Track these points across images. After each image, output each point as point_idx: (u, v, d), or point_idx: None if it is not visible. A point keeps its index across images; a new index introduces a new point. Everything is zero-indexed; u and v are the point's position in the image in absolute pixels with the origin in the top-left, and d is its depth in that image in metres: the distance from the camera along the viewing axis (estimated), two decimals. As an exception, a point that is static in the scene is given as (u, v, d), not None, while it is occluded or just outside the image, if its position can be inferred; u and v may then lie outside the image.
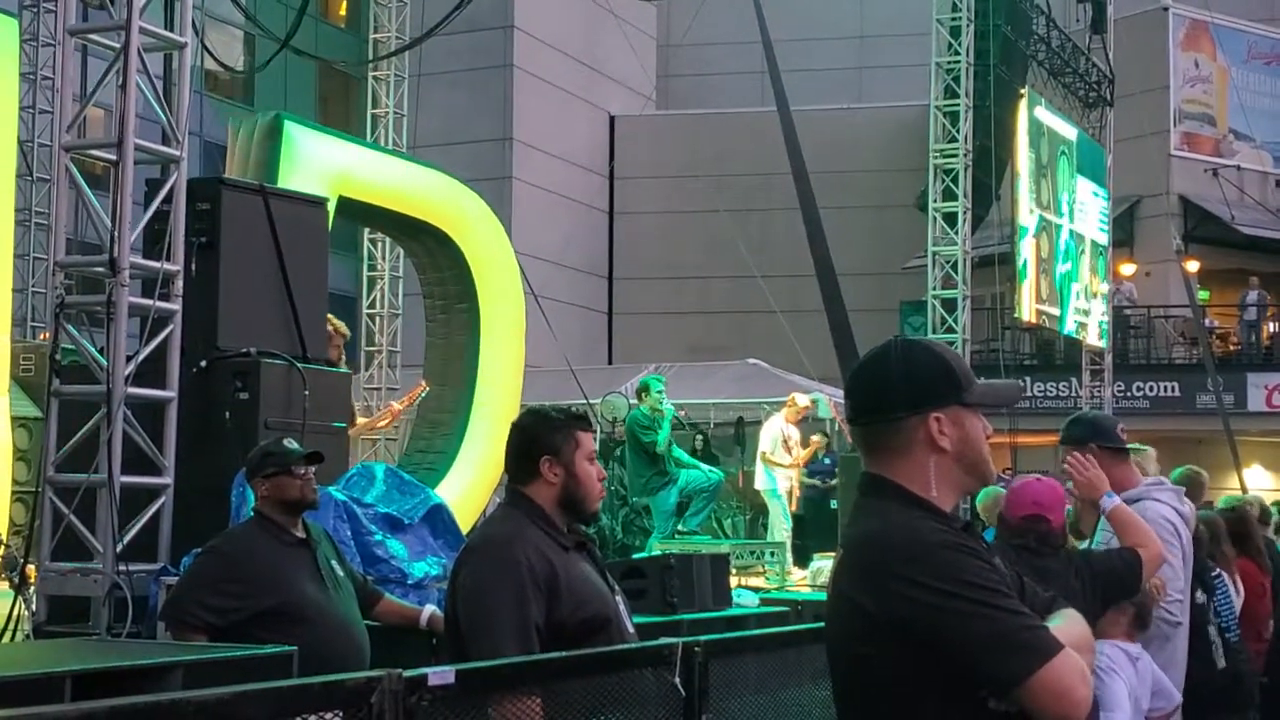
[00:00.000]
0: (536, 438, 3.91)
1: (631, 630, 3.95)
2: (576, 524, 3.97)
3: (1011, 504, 4.65)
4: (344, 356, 10.11)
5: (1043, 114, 22.24)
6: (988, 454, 2.61)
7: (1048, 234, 22.48)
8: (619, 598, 3.96)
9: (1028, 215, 21.46)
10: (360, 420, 10.71)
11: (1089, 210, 24.76)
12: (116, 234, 7.06)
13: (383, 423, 10.92)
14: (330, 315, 9.11)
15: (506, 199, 25.45)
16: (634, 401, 14.15)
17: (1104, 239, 25.52)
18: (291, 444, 5.60)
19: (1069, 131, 23.62)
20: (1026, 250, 21.38)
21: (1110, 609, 4.58)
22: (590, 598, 3.79)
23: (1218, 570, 6.04)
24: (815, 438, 16.21)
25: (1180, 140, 29.88)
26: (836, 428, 16.70)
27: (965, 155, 20.10)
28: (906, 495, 2.53)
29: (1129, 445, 5.09)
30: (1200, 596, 5.47)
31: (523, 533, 3.77)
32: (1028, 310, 21.60)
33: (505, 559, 3.69)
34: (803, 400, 14.59)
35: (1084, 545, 5.05)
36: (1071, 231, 23.63)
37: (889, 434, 2.57)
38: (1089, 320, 24.55)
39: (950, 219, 20.25)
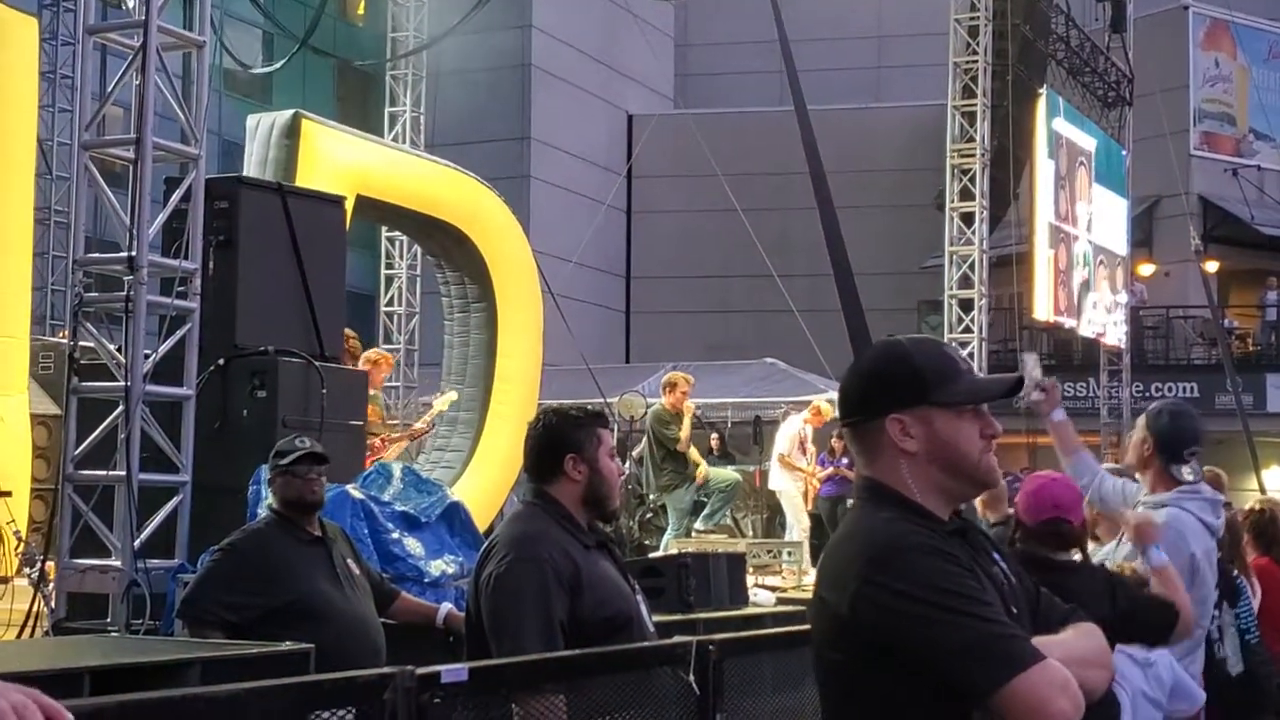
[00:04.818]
0: (561, 436, 3.93)
1: (652, 630, 3.97)
2: (598, 522, 3.99)
3: (1031, 507, 4.57)
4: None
5: (1061, 125, 22.20)
6: (976, 454, 2.49)
7: (1065, 246, 22.45)
8: (639, 597, 3.97)
9: (1045, 227, 21.44)
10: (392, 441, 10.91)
11: (1108, 220, 24.72)
12: (135, 232, 7.10)
13: (405, 442, 11.20)
14: (350, 331, 9.14)
15: (524, 198, 25.44)
16: (653, 400, 14.16)
17: (1123, 249, 25.47)
18: (303, 443, 5.62)
19: (1087, 142, 23.57)
20: (1044, 262, 21.37)
21: None
22: (612, 596, 3.80)
23: (1238, 573, 6.00)
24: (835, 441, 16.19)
25: (1200, 140, 29.76)
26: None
27: (983, 155, 20.05)
28: (895, 497, 2.46)
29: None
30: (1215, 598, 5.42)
31: (547, 531, 3.80)
32: (1044, 310, 21.56)
33: (530, 557, 3.71)
34: (827, 408, 14.57)
35: (1103, 551, 5.03)
36: (1090, 243, 23.61)
37: (862, 437, 2.53)
38: (1106, 331, 24.56)
39: (967, 219, 20.21)
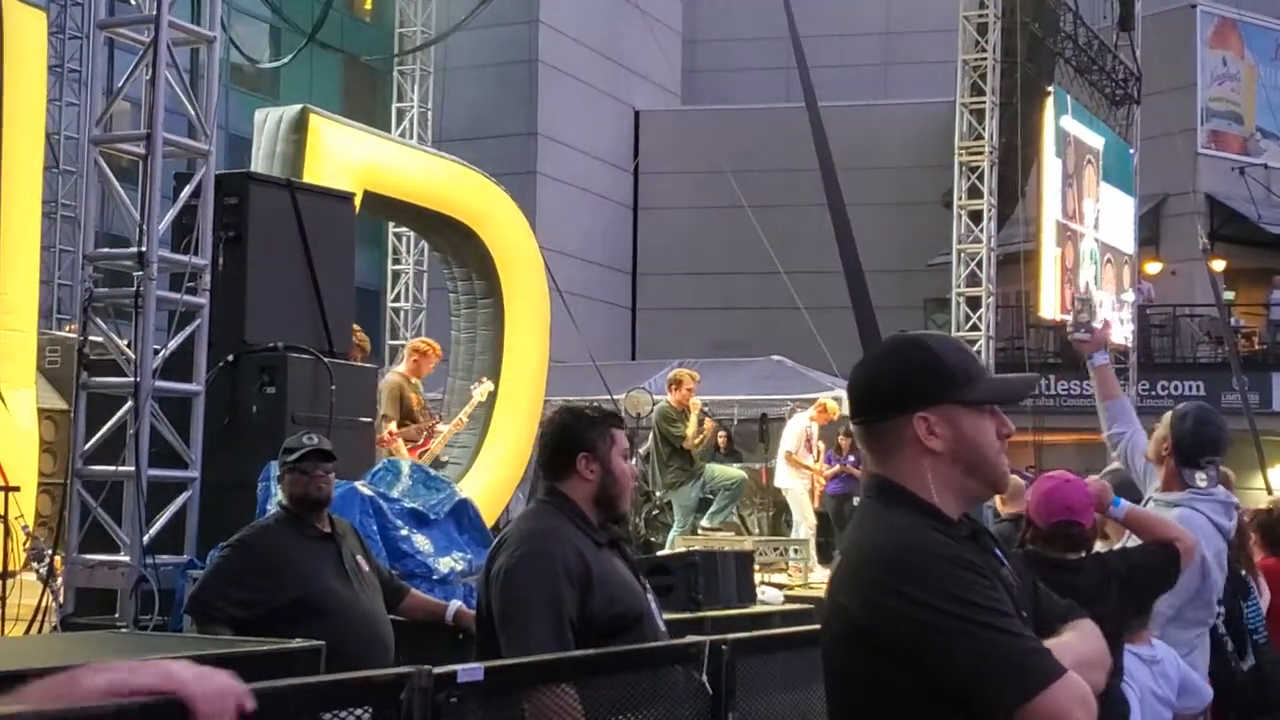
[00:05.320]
0: (575, 435, 3.94)
1: (663, 628, 3.97)
2: (609, 521, 3.99)
3: (1042, 509, 4.57)
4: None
5: (1069, 123, 22.17)
6: (995, 455, 2.43)
7: (1072, 243, 22.43)
8: (650, 595, 3.97)
9: (1052, 225, 21.43)
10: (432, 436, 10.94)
11: (1115, 218, 24.69)
12: (145, 228, 7.09)
13: (451, 433, 11.24)
14: (355, 326, 9.16)
15: (531, 194, 25.42)
16: (659, 397, 14.16)
17: (1130, 247, 25.45)
18: (310, 439, 5.63)
19: (1095, 140, 23.54)
20: (1051, 259, 21.35)
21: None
22: (622, 594, 3.81)
23: (1245, 572, 6.00)
24: (842, 439, 16.20)
25: (1207, 138, 29.70)
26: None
27: (991, 153, 20.06)
28: (910, 499, 2.38)
29: None
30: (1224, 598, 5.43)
31: (558, 528, 3.81)
32: (1050, 308, 21.56)
33: (540, 553, 3.72)
34: (834, 406, 14.56)
35: (1115, 548, 5.03)
36: (1097, 241, 23.59)
37: (880, 435, 2.44)
38: (1112, 329, 24.53)
39: (975, 216, 20.21)
